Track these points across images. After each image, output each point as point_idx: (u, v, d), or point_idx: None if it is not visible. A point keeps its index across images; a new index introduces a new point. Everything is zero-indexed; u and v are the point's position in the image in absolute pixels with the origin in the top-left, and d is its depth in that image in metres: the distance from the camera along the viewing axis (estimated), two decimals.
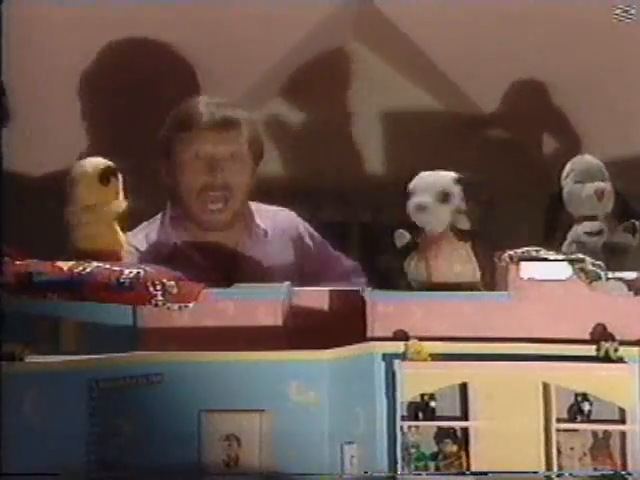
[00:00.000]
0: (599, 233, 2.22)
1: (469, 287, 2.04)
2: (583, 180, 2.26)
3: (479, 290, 2.05)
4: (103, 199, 2.17)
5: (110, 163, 2.19)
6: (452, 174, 2.10)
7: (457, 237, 2.07)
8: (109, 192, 2.18)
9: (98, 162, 2.19)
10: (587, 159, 2.29)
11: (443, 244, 2.07)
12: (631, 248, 2.22)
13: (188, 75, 3.26)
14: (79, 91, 3.27)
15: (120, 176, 2.19)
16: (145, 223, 2.73)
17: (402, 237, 2.10)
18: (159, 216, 2.74)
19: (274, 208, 2.80)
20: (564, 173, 2.29)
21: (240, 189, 2.65)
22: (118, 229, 2.22)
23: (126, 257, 2.53)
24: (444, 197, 2.07)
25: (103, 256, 2.09)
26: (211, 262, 2.62)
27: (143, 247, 2.65)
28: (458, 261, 2.05)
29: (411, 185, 2.11)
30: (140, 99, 3.25)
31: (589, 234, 2.22)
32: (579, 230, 2.23)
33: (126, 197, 2.21)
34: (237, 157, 2.64)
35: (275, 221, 2.77)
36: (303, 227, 2.81)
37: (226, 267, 2.60)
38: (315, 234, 2.83)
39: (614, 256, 2.08)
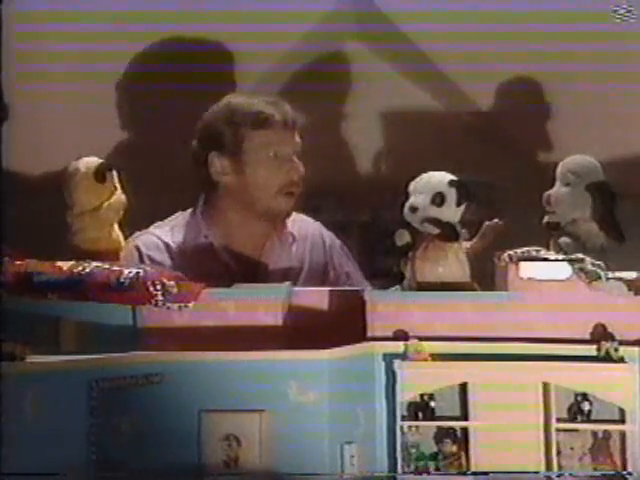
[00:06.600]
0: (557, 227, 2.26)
1: (458, 287, 2.04)
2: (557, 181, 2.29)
3: (473, 290, 2.05)
4: (103, 197, 2.19)
5: (102, 160, 2.21)
6: (449, 176, 2.10)
7: (445, 238, 2.06)
8: (106, 189, 2.20)
9: (90, 161, 2.21)
10: (564, 161, 2.31)
11: (430, 245, 2.07)
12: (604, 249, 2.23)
13: (191, 73, 3.26)
14: (80, 92, 3.27)
15: (115, 171, 2.21)
16: (171, 217, 2.75)
17: (402, 236, 2.10)
18: (188, 211, 2.74)
19: (301, 215, 2.82)
20: None
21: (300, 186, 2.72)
22: (118, 231, 2.23)
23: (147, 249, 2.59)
24: (439, 199, 2.07)
25: (104, 258, 2.10)
26: (237, 257, 2.66)
27: (168, 238, 2.66)
28: (442, 261, 2.05)
29: (410, 187, 2.12)
30: (140, 99, 3.24)
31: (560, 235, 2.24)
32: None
33: (124, 192, 2.23)
34: (297, 154, 2.70)
35: (300, 227, 2.79)
36: (329, 238, 2.83)
37: (250, 265, 2.66)
38: (339, 243, 2.85)
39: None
